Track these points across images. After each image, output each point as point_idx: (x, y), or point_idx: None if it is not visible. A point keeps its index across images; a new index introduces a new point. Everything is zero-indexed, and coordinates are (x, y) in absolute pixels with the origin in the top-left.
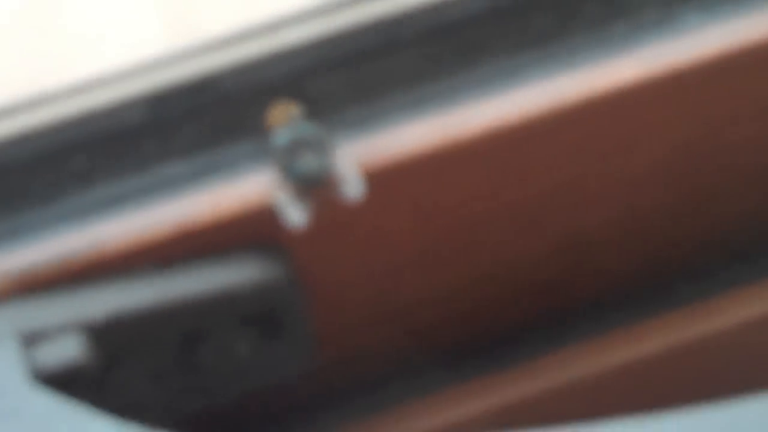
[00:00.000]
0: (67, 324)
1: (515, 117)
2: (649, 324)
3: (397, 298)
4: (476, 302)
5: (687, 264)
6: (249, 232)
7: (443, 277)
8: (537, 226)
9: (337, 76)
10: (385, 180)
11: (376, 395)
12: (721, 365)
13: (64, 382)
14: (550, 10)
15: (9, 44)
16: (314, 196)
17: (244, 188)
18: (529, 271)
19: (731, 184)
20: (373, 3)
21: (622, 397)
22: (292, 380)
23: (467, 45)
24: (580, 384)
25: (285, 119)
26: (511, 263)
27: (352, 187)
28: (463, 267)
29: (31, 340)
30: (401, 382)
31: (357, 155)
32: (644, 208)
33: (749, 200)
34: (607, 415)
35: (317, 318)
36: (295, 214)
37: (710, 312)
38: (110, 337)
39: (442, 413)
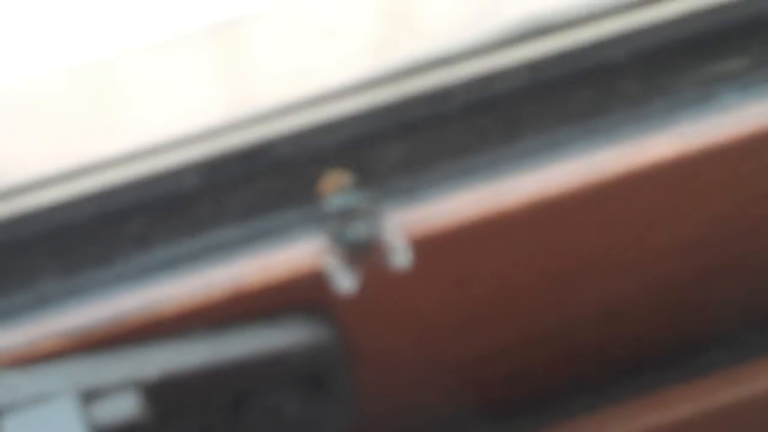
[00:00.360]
0: (123, 381)
1: (556, 189)
2: (682, 389)
3: (440, 360)
4: (516, 365)
5: (720, 330)
6: (298, 295)
7: (484, 341)
8: (574, 293)
9: (386, 146)
10: (430, 248)
11: None
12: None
13: None
14: (591, 87)
15: (67, 109)
16: (362, 263)
17: (295, 253)
18: (565, 336)
19: (765, 255)
20: (421, 76)
21: None
22: None
23: (511, 118)
24: None
25: (336, 187)
26: (548, 328)
27: (400, 254)
28: (504, 332)
29: (89, 396)
30: None
31: (404, 223)
32: (679, 276)
33: None
34: None
35: (363, 379)
36: (345, 280)
37: (743, 378)
38: (164, 396)
39: None
